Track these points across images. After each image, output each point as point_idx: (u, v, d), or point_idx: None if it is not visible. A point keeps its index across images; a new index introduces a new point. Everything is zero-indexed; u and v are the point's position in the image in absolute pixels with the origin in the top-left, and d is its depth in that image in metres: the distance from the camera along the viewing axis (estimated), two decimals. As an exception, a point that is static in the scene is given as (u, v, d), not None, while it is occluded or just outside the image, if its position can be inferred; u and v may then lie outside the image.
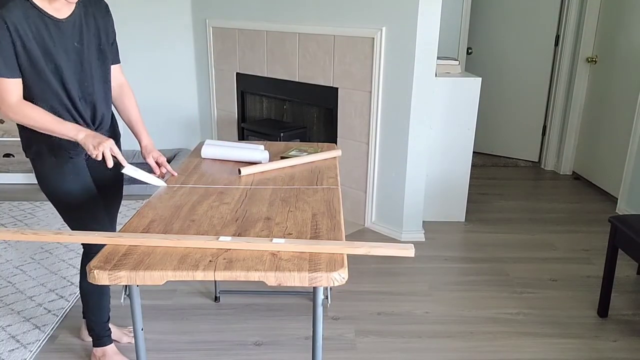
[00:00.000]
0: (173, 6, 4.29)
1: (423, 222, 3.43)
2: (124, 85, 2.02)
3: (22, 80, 1.66)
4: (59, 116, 1.72)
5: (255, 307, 2.51)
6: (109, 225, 1.93)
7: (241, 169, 2.02)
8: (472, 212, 3.67)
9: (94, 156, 1.66)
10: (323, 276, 1.25)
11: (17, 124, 1.74)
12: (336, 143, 3.46)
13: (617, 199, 3.84)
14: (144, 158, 2.01)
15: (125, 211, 3.63)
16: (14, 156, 4.08)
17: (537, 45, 4.62)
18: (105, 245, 1.39)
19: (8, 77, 1.62)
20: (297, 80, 3.59)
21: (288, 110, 3.85)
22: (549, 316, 2.48)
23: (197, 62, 4.42)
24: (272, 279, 1.25)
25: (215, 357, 2.16)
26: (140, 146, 2.03)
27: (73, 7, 1.72)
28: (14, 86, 1.64)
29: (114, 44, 1.94)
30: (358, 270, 2.88)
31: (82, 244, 1.93)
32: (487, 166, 4.80)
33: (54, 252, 3.03)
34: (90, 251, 1.91)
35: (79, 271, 2.30)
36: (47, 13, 1.64)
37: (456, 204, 3.53)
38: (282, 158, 2.19)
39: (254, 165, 2.05)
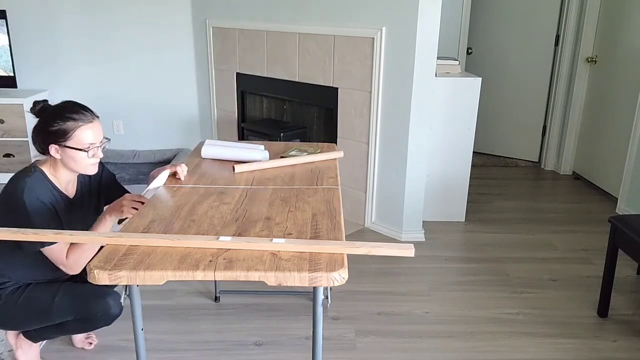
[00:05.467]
0: (173, 6, 4.29)
1: (423, 222, 3.43)
2: None
3: None
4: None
5: (255, 307, 2.51)
6: None
7: (235, 166, 2.03)
8: (472, 212, 3.67)
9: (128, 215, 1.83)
10: (323, 276, 1.25)
11: None
12: (336, 143, 3.46)
13: (617, 199, 3.84)
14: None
15: (125, 211, 3.63)
16: (14, 156, 4.08)
17: (537, 45, 4.62)
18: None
19: (56, 243, 1.75)
20: (297, 80, 3.59)
21: (288, 110, 3.85)
22: (549, 316, 2.48)
23: (197, 62, 4.42)
24: (272, 279, 1.25)
25: (215, 357, 2.16)
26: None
27: (76, 181, 1.89)
28: (64, 246, 1.77)
29: (114, 183, 2.08)
30: (358, 270, 2.88)
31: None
32: (487, 166, 4.80)
33: (54, 252, 3.03)
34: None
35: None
36: (62, 193, 1.81)
37: (456, 204, 3.53)
38: (282, 158, 2.19)
39: (248, 164, 2.05)
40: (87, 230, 1.91)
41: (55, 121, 1.70)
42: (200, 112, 4.55)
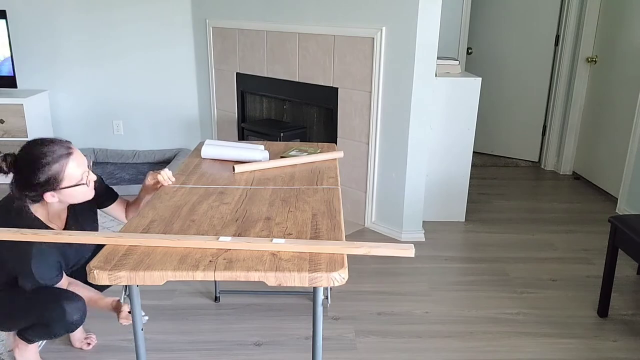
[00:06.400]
0: (173, 6, 4.29)
1: (423, 222, 3.43)
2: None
3: None
4: None
5: (255, 307, 2.51)
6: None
7: (235, 166, 2.03)
8: (472, 212, 3.67)
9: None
10: (323, 276, 1.25)
11: None
12: (336, 143, 3.46)
13: (617, 199, 3.84)
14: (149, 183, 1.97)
15: (125, 211, 3.63)
16: (14, 156, 4.08)
17: (537, 45, 4.62)
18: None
19: (62, 278, 1.79)
20: (297, 80, 3.59)
21: (288, 110, 3.85)
22: (549, 316, 2.48)
23: (197, 62, 4.42)
24: (272, 279, 1.25)
25: (215, 357, 2.16)
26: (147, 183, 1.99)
27: (66, 209, 1.85)
28: (65, 282, 1.81)
29: (105, 191, 2.04)
30: (358, 270, 2.88)
31: None
32: (487, 166, 4.80)
33: (54, 252, 3.03)
34: None
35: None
36: (50, 228, 1.76)
37: (456, 204, 3.53)
38: (282, 158, 2.19)
39: (248, 164, 2.05)
40: (75, 255, 1.91)
41: (38, 172, 1.61)
42: (200, 112, 4.55)
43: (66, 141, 1.71)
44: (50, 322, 1.76)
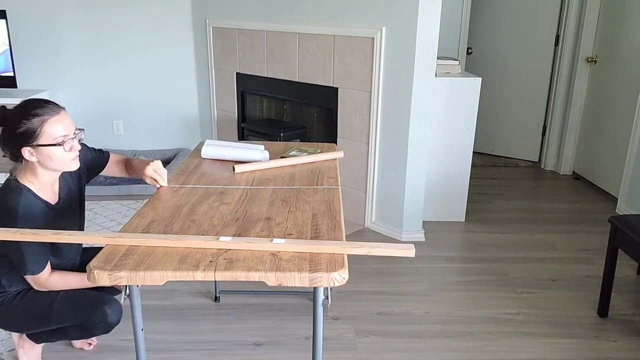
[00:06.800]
0: (173, 6, 4.29)
1: (423, 222, 3.43)
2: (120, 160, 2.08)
3: None
4: None
5: (255, 307, 2.51)
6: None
7: (235, 166, 2.03)
8: (472, 212, 3.67)
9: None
10: (323, 276, 1.25)
11: None
12: (336, 143, 3.46)
13: (617, 199, 3.84)
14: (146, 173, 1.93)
15: (125, 211, 3.63)
16: (14, 156, 4.07)
17: (537, 45, 4.62)
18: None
19: (43, 272, 1.74)
20: (297, 80, 3.59)
21: (288, 110, 3.85)
22: (549, 316, 2.48)
23: (197, 62, 4.42)
24: (272, 279, 1.25)
25: (215, 357, 2.16)
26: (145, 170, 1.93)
27: (58, 180, 1.83)
28: (45, 275, 1.76)
29: (94, 155, 2.01)
30: (358, 270, 2.88)
31: None
32: (487, 166, 4.80)
33: (54, 252, 3.03)
34: None
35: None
36: (47, 202, 1.75)
37: (456, 204, 3.53)
38: (282, 158, 2.19)
39: (248, 164, 2.05)
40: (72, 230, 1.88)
41: (20, 122, 1.61)
42: (200, 112, 4.55)
43: (61, 107, 1.70)
44: (90, 325, 1.80)
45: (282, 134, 3.52)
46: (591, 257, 3.09)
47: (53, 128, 1.63)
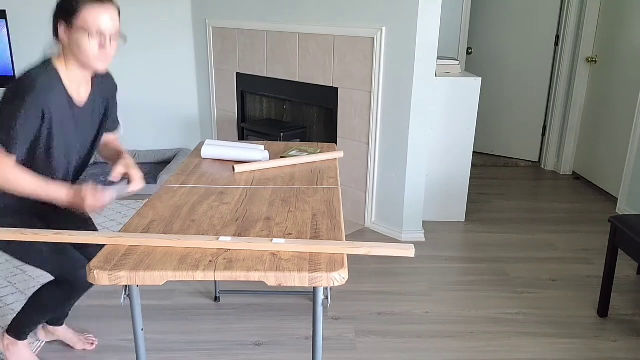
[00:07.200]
0: (173, 6, 4.29)
1: (423, 222, 3.43)
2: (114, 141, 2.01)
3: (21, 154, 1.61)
4: None
5: (255, 307, 2.51)
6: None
7: (235, 166, 2.03)
8: (472, 212, 3.67)
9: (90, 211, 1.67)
10: (323, 276, 1.25)
11: None
12: (336, 143, 3.46)
13: (617, 199, 3.84)
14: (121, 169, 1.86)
15: (125, 211, 3.63)
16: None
17: (537, 45, 4.62)
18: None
19: (11, 153, 1.57)
20: (297, 80, 3.59)
21: (288, 110, 3.85)
22: (549, 316, 2.48)
23: (197, 62, 4.42)
24: (272, 279, 1.25)
25: (215, 357, 2.16)
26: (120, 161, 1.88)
27: (90, 86, 1.75)
28: (9, 160, 1.59)
29: (114, 115, 1.96)
30: (358, 270, 2.88)
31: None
32: (487, 166, 4.80)
33: (54, 252, 3.03)
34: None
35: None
36: (70, 96, 1.67)
37: (456, 204, 3.53)
38: (282, 158, 2.19)
39: (248, 164, 2.05)
40: (83, 142, 1.79)
41: None
42: (200, 112, 4.55)
43: (116, 5, 1.64)
44: (66, 281, 1.77)
45: (282, 134, 3.52)
46: (591, 257, 3.09)
47: (90, 15, 1.57)
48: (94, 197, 1.62)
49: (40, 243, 1.73)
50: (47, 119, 1.60)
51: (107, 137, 1.99)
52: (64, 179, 1.77)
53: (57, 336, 2.20)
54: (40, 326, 2.16)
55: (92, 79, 1.79)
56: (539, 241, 3.29)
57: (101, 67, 1.66)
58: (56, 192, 1.64)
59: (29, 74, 1.58)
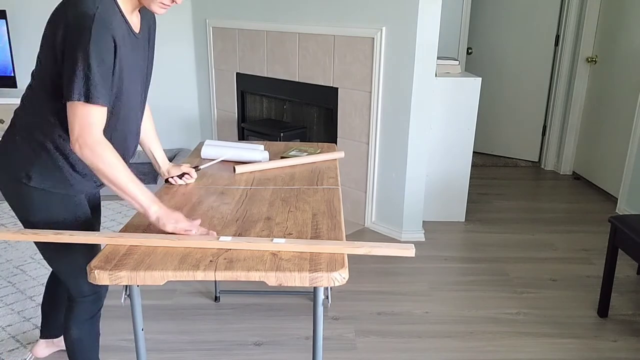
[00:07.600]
0: (173, 6, 4.28)
1: (423, 222, 3.43)
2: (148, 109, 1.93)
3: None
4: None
5: (255, 307, 2.51)
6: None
7: (236, 167, 2.03)
8: (472, 212, 3.67)
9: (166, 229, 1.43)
10: (323, 276, 1.25)
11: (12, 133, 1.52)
12: (336, 143, 3.46)
13: (617, 199, 3.84)
14: (167, 173, 1.90)
15: (126, 211, 3.63)
16: (14, 156, 4.07)
17: (537, 45, 4.62)
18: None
19: (104, 105, 1.37)
20: (297, 80, 3.59)
21: (288, 110, 3.85)
22: (549, 316, 2.48)
23: (197, 62, 4.42)
24: (272, 279, 1.25)
25: (215, 357, 2.16)
26: (158, 161, 1.93)
27: (139, 17, 1.57)
28: (104, 116, 1.38)
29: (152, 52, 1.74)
30: (358, 270, 2.88)
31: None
32: (487, 166, 4.80)
33: (54, 252, 3.03)
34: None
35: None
36: (130, 26, 1.49)
37: (456, 204, 3.53)
38: (282, 158, 2.19)
39: (249, 164, 2.05)
40: (142, 82, 1.62)
41: None
42: (200, 112, 4.55)
43: None
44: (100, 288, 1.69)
45: (282, 134, 3.52)
46: (591, 257, 3.09)
47: None
48: (184, 231, 1.42)
49: (78, 252, 1.61)
50: (118, 52, 1.40)
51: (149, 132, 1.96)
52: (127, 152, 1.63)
53: (61, 346, 2.15)
54: (42, 341, 2.11)
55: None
56: (539, 241, 3.29)
57: (160, 10, 1.48)
58: (146, 200, 1.42)
59: (85, 9, 1.35)
